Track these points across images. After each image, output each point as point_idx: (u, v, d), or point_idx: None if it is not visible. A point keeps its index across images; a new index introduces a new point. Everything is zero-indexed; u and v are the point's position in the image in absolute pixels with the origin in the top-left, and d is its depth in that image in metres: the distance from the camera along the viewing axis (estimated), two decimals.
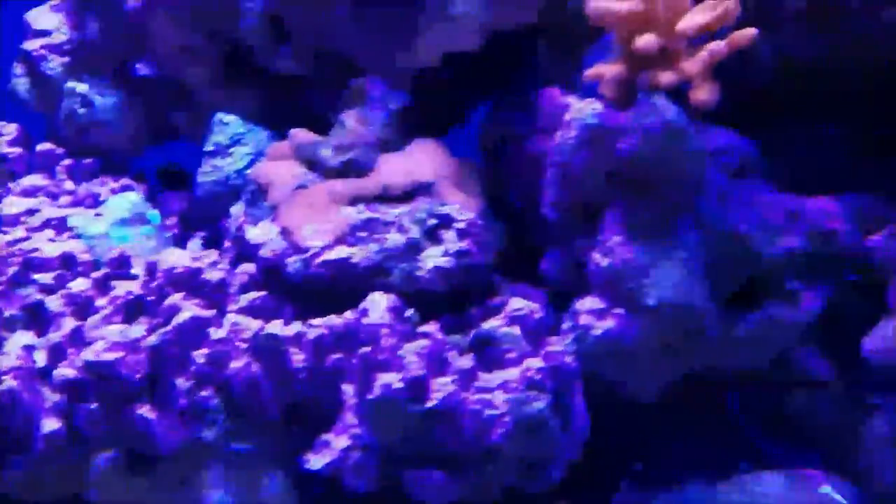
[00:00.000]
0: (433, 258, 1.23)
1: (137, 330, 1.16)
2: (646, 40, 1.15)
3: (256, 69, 1.50)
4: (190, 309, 1.17)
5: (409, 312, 1.16)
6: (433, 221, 1.26)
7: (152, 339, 1.14)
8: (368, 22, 1.38)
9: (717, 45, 1.14)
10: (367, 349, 1.09)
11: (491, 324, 1.17)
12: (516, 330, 1.16)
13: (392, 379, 1.09)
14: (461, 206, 1.28)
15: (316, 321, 1.15)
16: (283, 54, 1.46)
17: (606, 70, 1.23)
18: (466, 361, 1.14)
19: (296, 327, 1.14)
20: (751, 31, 1.15)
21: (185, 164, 1.63)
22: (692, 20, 1.16)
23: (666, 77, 1.17)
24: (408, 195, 1.28)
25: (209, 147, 1.48)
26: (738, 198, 1.26)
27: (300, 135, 1.35)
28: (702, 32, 1.17)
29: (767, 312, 1.25)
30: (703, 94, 1.17)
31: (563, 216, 1.30)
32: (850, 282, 1.29)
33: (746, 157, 1.30)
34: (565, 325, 1.24)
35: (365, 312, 1.15)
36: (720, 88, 1.38)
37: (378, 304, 1.15)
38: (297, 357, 1.13)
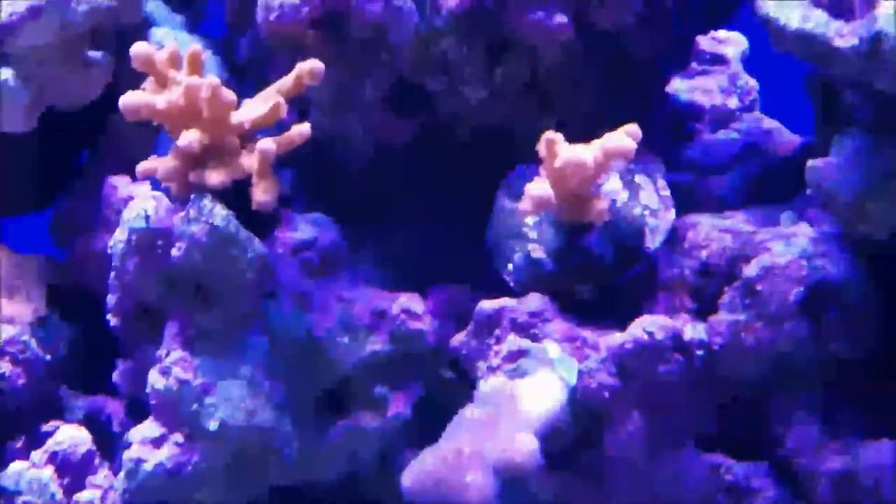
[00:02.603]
0: None
1: None
2: (188, 138, 1.02)
3: None
4: None
5: None
6: None
7: None
8: None
9: (267, 144, 1.03)
10: None
11: (16, 468, 1.00)
12: (47, 473, 1.00)
13: None
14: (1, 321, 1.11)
15: None
16: None
17: (159, 165, 1.09)
18: None
19: None
20: (305, 129, 1.05)
21: None
22: (242, 115, 1.04)
23: (217, 176, 1.05)
24: None
25: None
26: (319, 299, 1.16)
27: None
28: (256, 127, 1.07)
29: (353, 422, 1.16)
30: (260, 194, 1.05)
31: (125, 324, 1.15)
32: (447, 380, 1.23)
33: (333, 250, 1.20)
34: (125, 456, 1.10)
35: None
36: (322, 170, 1.29)
37: None
38: None
